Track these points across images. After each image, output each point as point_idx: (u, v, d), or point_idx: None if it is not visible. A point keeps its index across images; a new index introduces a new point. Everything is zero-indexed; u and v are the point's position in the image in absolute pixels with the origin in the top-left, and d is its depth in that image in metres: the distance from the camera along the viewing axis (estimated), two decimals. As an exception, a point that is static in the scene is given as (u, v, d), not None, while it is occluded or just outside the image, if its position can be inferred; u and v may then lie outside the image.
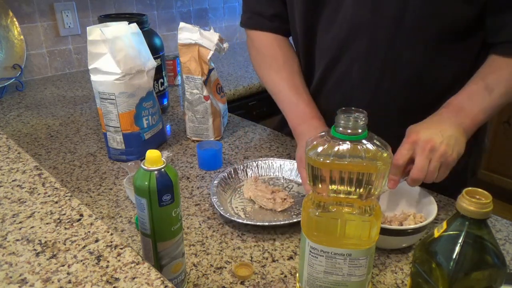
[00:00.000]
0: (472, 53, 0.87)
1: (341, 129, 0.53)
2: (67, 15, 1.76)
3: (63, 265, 0.52)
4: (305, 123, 0.89)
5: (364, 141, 0.53)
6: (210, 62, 1.09)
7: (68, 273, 0.50)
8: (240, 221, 0.77)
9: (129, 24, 1.02)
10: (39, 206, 0.64)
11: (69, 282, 0.49)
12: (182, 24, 1.06)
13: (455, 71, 0.87)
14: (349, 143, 0.52)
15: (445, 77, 0.88)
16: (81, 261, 0.52)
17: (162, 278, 0.50)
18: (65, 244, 0.55)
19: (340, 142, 0.53)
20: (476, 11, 0.79)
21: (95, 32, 0.93)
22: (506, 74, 0.80)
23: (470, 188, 0.48)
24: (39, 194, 0.67)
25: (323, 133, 0.55)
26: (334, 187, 0.54)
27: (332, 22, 0.87)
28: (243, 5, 1.06)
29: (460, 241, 0.48)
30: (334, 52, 0.90)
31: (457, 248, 0.48)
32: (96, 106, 1.08)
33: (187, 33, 1.06)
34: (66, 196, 0.67)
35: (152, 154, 0.55)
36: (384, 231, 0.65)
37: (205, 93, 1.08)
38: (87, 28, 0.94)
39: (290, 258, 0.71)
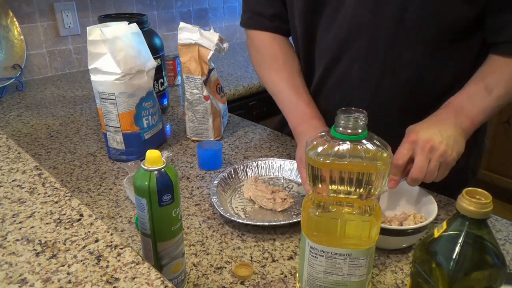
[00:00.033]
0: (472, 53, 0.87)
1: (341, 129, 0.53)
2: (67, 15, 1.76)
3: (63, 265, 0.52)
4: (305, 123, 0.89)
5: (364, 141, 0.53)
6: (210, 62, 1.09)
7: (68, 273, 0.50)
8: (240, 221, 0.77)
9: (129, 24, 1.02)
10: (39, 206, 0.64)
11: (69, 282, 0.49)
12: (182, 24, 1.06)
13: (455, 71, 0.87)
14: (349, 143, 0.52)
15: (445, 77, 0.88)
16: (81, 261, 0.52)
17: (162, 278, 0.50)
18: (65, 244, 0.55)
19: (340, 142, 0.53)
20: (476, 11, 0.79)
21: (95, 32, 0.93)
22: (506, 74, 0.80)
23: (470, 188, 0.48)
24: (39, 194, 0.67)
25: (323, 133, 0.55)
26: (334, 187, 0.54)
27: (332, 22, 0.87)
28: (243, 5, 1.06)
29: (460, 241, 0.48)
30: (334, 52, 0.90)
31: (457, 248, 0.48)
32: (96, 106, 1.08)
33: (187, 33, 1.06)
34: (66, 196, 0.67)
35: (152, 154, 0.55)
36: (384, 231, 0.65)
37: (205, 93, 1.08)
38: (87, 28, 0.94)
39: (290, 258, 0.71)
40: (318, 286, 0.58)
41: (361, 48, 0.86)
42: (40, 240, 0.56)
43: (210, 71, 1.09)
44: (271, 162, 0.97)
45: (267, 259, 0.71)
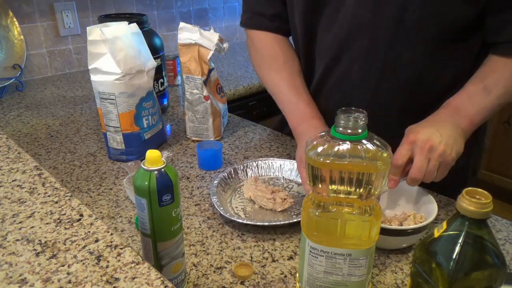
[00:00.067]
0: (472, 53, 0.87)
1: (341, 129, 0.53)
2: (67, 15, 1.76)
3: (63, 265, 0.52)
4: (305, 123, 0.89)
5: (364, 141, 0.53)
6: (210, 62, 1.09)
7: (68, 273, 0.50)
8: (240, 221, 0.77)
9: (129, 24, 1.02)
10: (39, 206, 0.64)
11: (69, 282, 0.49)
12: (182, 24, 1.06)
13: (455, 71, 0.87)
14: (349, 143, 0.52)
15: (445, 77, 0.88)
16: (81, 261, 0.52)
17: (162, 278, 0.50)
18: (65, 244, 0.55)
19: (340, 142, 0.53)
20: (476, 11, 0.79)
21: (95, 32, 0.93)
22: (505, 74, 0.80)
23: (470, 188, 0.48)
24: (39, 194, 0.67)
25: (323, 133, 0.55)
26: (334, 187, 0.54)
27: (333, 22, 0.87)
28: (243, 5, 1.05)
29: (460, 241, 0.48)
30: (334, 52, 0.90)
31: (457, 248, 0.48)
32: (96, 106, 1.08)
33: (187, 33, 1.06)
34: (66, 196, 0.67)
35: (152, 154, 0.55)
36: (384, 231, 0.65)
37: (205, 93, 1.08)
38: (87, 28, 0.94)
39: (290, 258, 0.71)
40: (318, 286, 0.58)
41: (361, 48, 0.86)
42: (40, 240, 0.56)
43: (210, 71, 1.09)
44: (271, 162, 0.97)
45: (267, 259, 0.71)
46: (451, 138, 0.72)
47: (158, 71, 1.23)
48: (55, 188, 0.69)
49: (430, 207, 0.73)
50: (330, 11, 0.87)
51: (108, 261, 0.52)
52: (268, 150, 1.10)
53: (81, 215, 0.62)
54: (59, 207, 0.64)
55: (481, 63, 0.84)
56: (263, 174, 0.97)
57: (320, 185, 0.54)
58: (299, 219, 0.75)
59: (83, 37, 1.84)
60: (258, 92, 1.76)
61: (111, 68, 0.94)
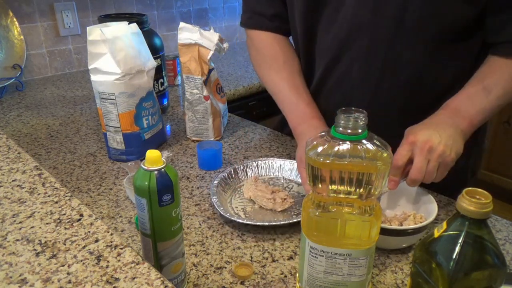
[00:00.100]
0: (472, 53, 0.87)
1: (341, 129, 0.53)
2: (67, 15, 1.76)
3: (63, 265, 0.52)
4: (305, 123, 0.89)
5: (364, 141, 0.53)
6: (210, 62, 1.09)
7: (68, 273, 0.50)
8: (240, 221, 0.77)
9: (129, 24, 1.02)
10: (39, 206, 0.64)
11: (69, 282, 0.49)
12: (182, 24, 1.06)
13: (455, 71, 0.87)
14: (349, 143, 0.52)
15: (445, 77, 0.88)
16: (81, 261, 0.52)
17: (162, 278, 0.50)
18: (65, 244, 0.55)
19: (340, 142, 0.53)
20: (476, 11, 0.79)
21: (95, 32, 0.93)
22: (505, 75, 0.80)
23: (470, 188, 0.48)
24: (39, 194, 0.67)
25: (323, 133, 0.55)
26: (334, 187, 0.54)
27: (333, 22, 0.87)
28: (243, 5, 1.06)
29: (460, 241, 0.48)
30: (334, 52, 0.90)
31: (457, 248, 0.48)
32: (96, 106, 1.08)
33: (187, 33, 1.06)
34: (66, 196, 0.67)
35: (152, 154, 0.55)
36: (384, 231, 0.65)
37: (205, 93, 1.08)
38: (87, 28, 0.94)
39: (290, 258, 0.71)
40: (318, 286, 0.58)
41: (361, 48, 0.86)
42: (40, 240, 0.56)
43: (210, 71, 1.09)
44: (271, 162, 0.97)
45: (267, 259, 0.71)
46: (450, 139, 0.72)
47: (158, 71, 1.23)
48: (55, 188, 0.69)
49: (430, 207, 0.73)
50: (330, 11, 0.87)
51: (108, 261, 0.52)
52: (268, 150, 1.10)
53: (81, 215, 0.62)
54: (59, 207, 0.64)
55: (481, 63, 0.84)
56: (263, 174, 0.97)
57: (320, 185, 0.54)
58: (299, 219, 0.75)
59: (83, 37, 1.84)
60: (258, 92, 1.76)
61: (111, 68, 0.94)
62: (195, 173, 0.98)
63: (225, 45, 1.11)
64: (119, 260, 0.53)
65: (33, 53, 1.73)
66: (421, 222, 0.71)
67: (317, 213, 0.55)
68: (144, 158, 0.56)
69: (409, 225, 0.72)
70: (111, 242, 0.56)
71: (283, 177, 0.96)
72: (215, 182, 0.88)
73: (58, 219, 0.61)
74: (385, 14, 0.81)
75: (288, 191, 0.91)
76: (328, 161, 0.52)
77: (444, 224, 0.50)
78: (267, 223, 0.76)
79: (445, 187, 0.82)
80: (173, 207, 0.57)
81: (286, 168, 0.97)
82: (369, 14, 0.82)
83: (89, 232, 0.58)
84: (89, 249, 0.54)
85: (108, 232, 0.58)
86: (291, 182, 0.95)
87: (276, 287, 0.65)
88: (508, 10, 0.78)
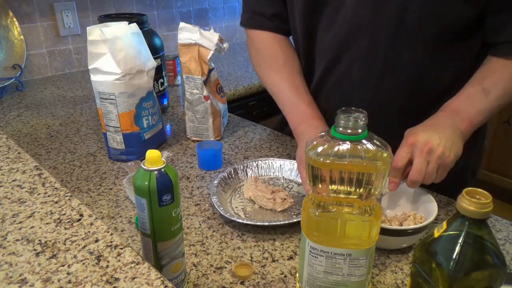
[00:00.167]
0: (472, 53, 0.87)
1: (341, 129, 0.53)
2: (67, 15, 1.76)
3: (63, 265, 0.52)
4: (305, 123, 0.89)
5: (364, 141, 0.53)
6: (210, 62, 1.09)
7: (68, 273, 0.50)
8: (240, 221, 0.77)
9: (129, 24, 1.02)
10: (39, 206, 0.64)
11: (69, 282, 0.49)
12: (182, 24, 1.06)
13: (455, 71, 0.87)
14: (349, 143, 0.52)
15: (445, 77, 0.88)
16: (81, 261, 0.52)
17: (162, 278, 0.50)
18: (65, 244, 0.55)
19: (340, 142, 0.53)
20: (476, 11, 0.79)
21: (95, 32, 0.93)
22: (504, 76, 0.80)
23: (470, 188, 0.48)
24: (39, 194, 0.67)
25: (323, 133, 0.55)
26: (334, 187, 0.54)
27: (333, 22, 0.87)
28: (243, 4, 1.05)
29: (460, 241, 0.48)
30: (334, 52, 0.90)
31: (457, 248, 0.48)
32: (96, 106, 1.08)
33: (187, 33, 1.06)
34: (66, 196, 0.67)
35: (152, 154, 0.55)
36: (384, 231, 0.65)
37: (205, 93, 1.08)
38: (87, 28, 0.94)
39: (290, 258, 0.71)
40: (318, 286, 0.58)
41: (361, 48, 0.86)
42: (40, 240, 0.56)
43: (210, 71, 1.09)
44: (271, 162, 0.97)
45: (267, 259, 0.71)
46: (449, 140, 0.73)
47: (158, 71, 1.23)
48: (55, 188, 0.69)
49: (430, 207, 0.74)
50: (330, 11, 0.87)
51: (108, 261, 0.52)
52: (268, 150, 1.10)
53: (81, 215, 0.62)
54: (59, 207, 0.64)
55: (481, 63, 0.84)
56: (263, 174, 0.97)
57: (320, 185, 0.54)
58: (299, 219, 0.75)
59: (83, 37, 1.84)
60: (258, 92, 1.76)
61: (111, 68, 0.94)
62: (195, 173, 0.98)
63: (225, 45, 1.11)
64: (119, 260, 0.53)
65: (33, 53, 1.73)
66: (421, 222, 0.71)
67: (317, 213, 0.55)
68: (144, 158, 0.56)
69: (409, 225, 0.72)
70: (111, 242, 0.56)
71: (283, 177, 0.96)
72: (215, 182, 0.88)
73: (58, 219, 0.61)
74: (385, 14, 0.81)
75: (288, 191, 0.91)
76: (328, 161, 0.52)
77: (444, 224, 0.50)
78: (267, 223, 0.76)
79: (445, 187, 0.82)
80: (173, 207, 0.57)
81: (286, 168, 0.97)
82: (369, 14, 0.82)
83: (89, 232, 0.58)
84: (89, 249, 0.54)
85: (108, 232, 0.58)
86: (291, 182, 0.95)
87: (276, 287, 0.65)
88: (508, 10, 0.78)
